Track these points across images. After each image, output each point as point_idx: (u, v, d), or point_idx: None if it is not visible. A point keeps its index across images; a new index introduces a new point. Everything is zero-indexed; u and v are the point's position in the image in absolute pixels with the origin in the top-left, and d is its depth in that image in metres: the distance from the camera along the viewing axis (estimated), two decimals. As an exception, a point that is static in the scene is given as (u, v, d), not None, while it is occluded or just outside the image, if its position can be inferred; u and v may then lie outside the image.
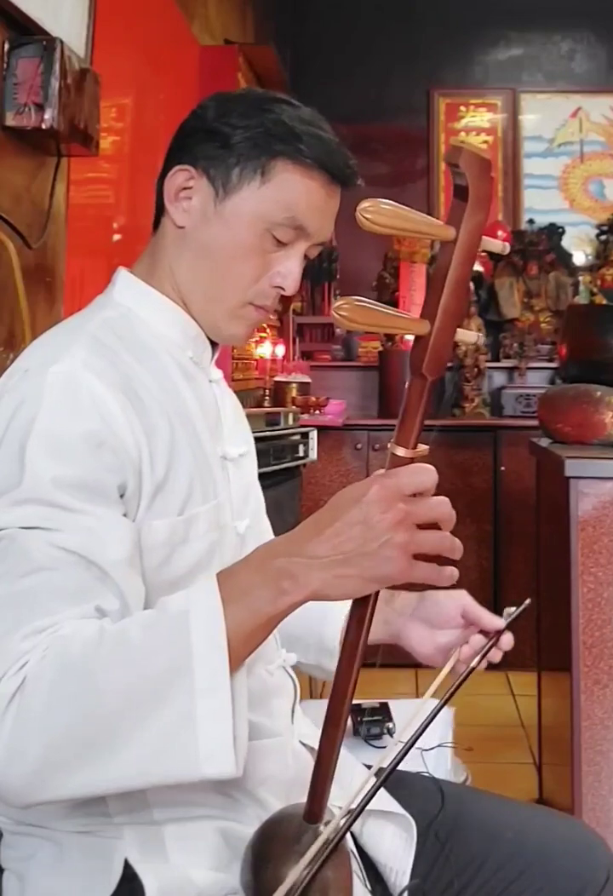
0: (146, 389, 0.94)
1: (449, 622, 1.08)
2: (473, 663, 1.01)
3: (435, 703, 0.95)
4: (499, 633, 1.04)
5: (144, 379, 0.95)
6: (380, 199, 0.68)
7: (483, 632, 1.06)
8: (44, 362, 0.90)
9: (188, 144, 1.02)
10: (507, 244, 0.81)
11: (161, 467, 0.92)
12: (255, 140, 0.98)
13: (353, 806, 0.86)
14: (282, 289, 1.02)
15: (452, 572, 0.79)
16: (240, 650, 0.78)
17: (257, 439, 1.25)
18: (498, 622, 1.04)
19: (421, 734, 0.90)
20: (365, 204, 0.68)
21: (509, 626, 1.05)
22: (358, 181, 1.03)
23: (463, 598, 1.08)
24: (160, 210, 1.05)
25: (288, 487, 2.81)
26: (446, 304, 0.72)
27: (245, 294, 1.01)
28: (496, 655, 1.05)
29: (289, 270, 1.01)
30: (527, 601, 1.06)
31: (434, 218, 0.72)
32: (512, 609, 1.05)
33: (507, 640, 1.04)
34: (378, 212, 0.68)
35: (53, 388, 0.88)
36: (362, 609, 0.80)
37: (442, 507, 0.78)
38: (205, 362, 1.07)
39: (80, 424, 0.86)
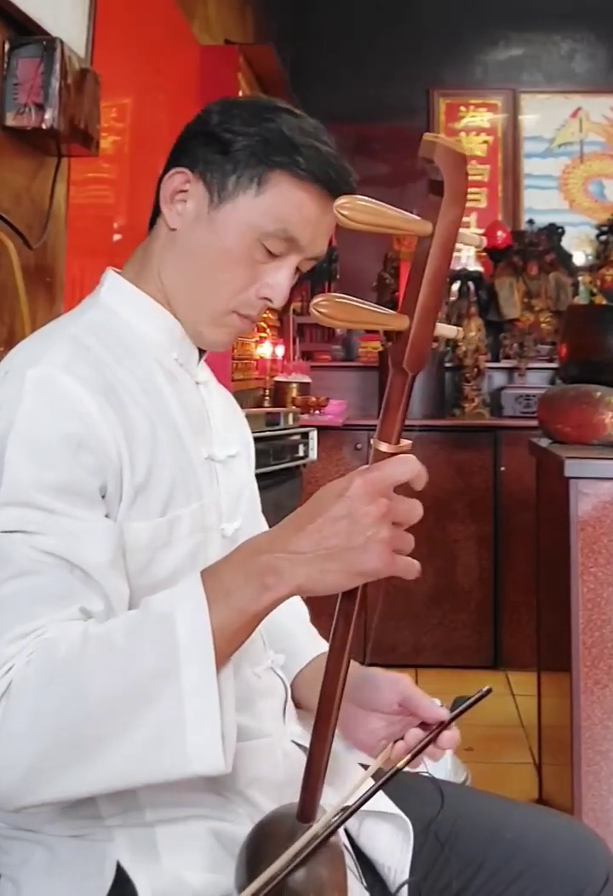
0: (127, 391, 0.94)
1: (384, 707, 1.02)
2: (399, 764, 0.90)
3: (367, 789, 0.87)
4: (440, 727, 0.93)
5: (125, 381, 0.95)
6: (357, 196, 0.69)
7: (423, 725, 0.96)
8: (23, 365, 0.90)
9: (189, 148, 1.02)
10: (484, 238, 0.81)
11: (141, 469, 0.92)
12: (254, 149, 0.98)
13: (345, 805, 0.86)
14: (269, 300, 1.01)
15: (416, 566, 0.79)
16: (226, 648, 0.79)
17: (257, 439, 1.25)
18: (440, 713, 0.95)
19: (352, 813, 0.84)
20: (341, 200, 0.68)
21: (451, 722, 0.92)
22: (355, 189, 1.00)
23: (401, 684, 1.01)
24: (157, 210, 1.05)
25: (288, 487, 2.81)
26: (424, 298, 0.72)
27: (229, 303, 1.01)
28: (436, 753, 0.93)
29: (277, 282, 1.00)
30: (486, 688, 0.93)
31: (411, 214, 0.72)
32: (466, 698, 0.92)
33: (449, 739, 0.93)
34: (354, 208, 0.68)
35: (31, 390, 0.88)
36: (349, 605, 0.80)
37: (417, 510, 0.78)
38: (192, 364, 1.07)
39: (58, 427, 0.86)
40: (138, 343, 1.01)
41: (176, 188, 1.01)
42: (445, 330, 0.77)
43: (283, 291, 1.01)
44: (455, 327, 0.79)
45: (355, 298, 0.72)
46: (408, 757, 0.90)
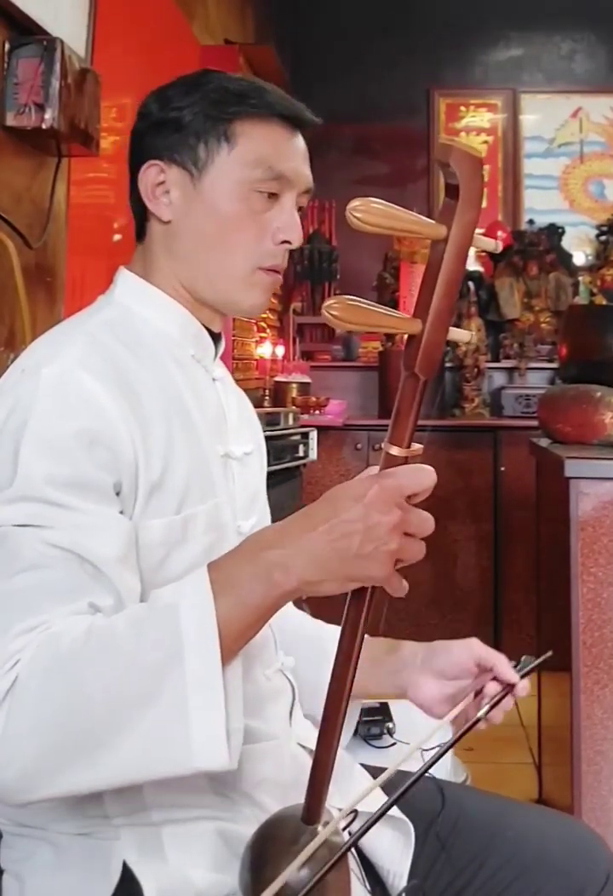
0: (144, 387, 0.94)
1: (461, 672, 1.06)
2: (480, 713, 0.98)
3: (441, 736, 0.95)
4: (512, 686, 1.01)
5: (142, 377, 0.95)
6: (371, 199, 0.68)
7: (496, 679, 1.03)
8: (39, 362, 0.91)
9: (146, 145, 1.03)
10: (500, 243, 0.81)
11: (157, 466, 0.92)
12: (206, 112, 1.00)
13: (353, 815, 0.85)
14: (288, 242, 1.02)
15: (405, 586, 0.79)
16: (232, 642, 0.79)
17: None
18: (512, 673, 1.02)
19: (422, 775, 0.88)
20: (354, 203, 0.67)
21: (524, 677, 1.01)
22: (317, 119, 1.04)
23: (475, 647, 1.06)
24: (140, 219, 1.05)
25: (288, 487, 2.81)
26: (438, 303, 0.72)
27: (249, 261, 1.01)
28: (508, 703, 1.02)
29: (286, 222, 1.01)
30: (548, 653, 1.03)
31: (426, 217, 0.71)
32: (530, 657, 1.02)
33: (522, 688, 1.02)
34: (368, 211, 0.67)
35: (47, 386, 0.88)
36: (357, 612, 0.80)
37: (430, 523, 0.78)
38: (208, 360, 1.07)
39: (73, 422, 0.87)
40: (154, 339, 1.01)
41: (153, 182, 1.02)
42: (458, 334, 0.76)
43: (296, 228, 1.02)
44: (467, 332, 0.79)
45: (367, 301, 0.71)
46: (488, 707, 0.99)
